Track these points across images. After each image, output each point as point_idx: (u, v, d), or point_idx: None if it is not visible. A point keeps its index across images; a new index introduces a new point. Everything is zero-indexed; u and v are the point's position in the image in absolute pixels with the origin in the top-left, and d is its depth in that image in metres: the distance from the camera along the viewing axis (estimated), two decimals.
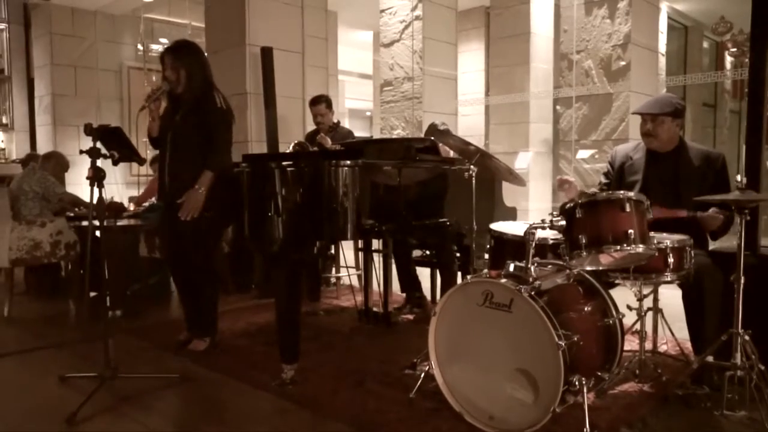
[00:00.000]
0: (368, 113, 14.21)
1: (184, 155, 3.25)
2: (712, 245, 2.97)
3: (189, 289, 3.46)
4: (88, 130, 2.69)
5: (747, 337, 2.40)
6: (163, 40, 9.21)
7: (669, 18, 9.81)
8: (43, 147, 8.23)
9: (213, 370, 3.09)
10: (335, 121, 4.96)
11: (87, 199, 2.77)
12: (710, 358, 2.55)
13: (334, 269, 5.08)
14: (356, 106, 14.71)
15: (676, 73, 9.93)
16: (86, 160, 2.67)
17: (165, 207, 3.35)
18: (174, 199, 3.23)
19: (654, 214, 2.49)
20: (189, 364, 3.15)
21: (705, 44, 11.25)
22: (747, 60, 2.97)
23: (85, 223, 4.54)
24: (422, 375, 2.66)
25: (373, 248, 3.99)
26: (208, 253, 3.45)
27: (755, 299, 2.56)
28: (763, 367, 2.43)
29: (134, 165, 3.31)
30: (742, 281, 2.40)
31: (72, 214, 4.88)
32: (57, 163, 5.20)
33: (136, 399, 2.71)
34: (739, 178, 2.39)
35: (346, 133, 4.88)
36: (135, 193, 6.28)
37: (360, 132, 12.49)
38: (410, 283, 4.30)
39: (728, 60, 9.80)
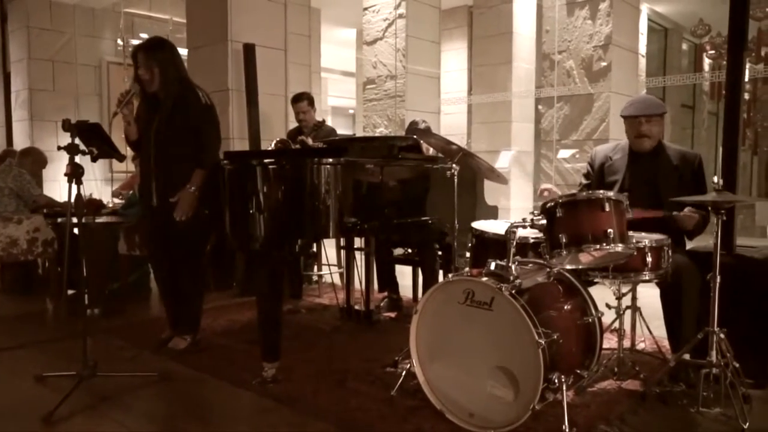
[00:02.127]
0: (351, 111, 14.19)
1: (170, 155, 3.20)
2: (689, 245, 3.02)
3: (173, 287, 3.42)
4: (67, 126, 2.65)
5: (722, 336, 2.44)
6: (144, 35, 9.10)
7: (649, 20, 9.93)
8: (20, 143, 8.09)
9: (193, 368, 3.07)
10: (320, 119, 4.95)
11: (65, 196, 2.73)
12: (687, 356, 2.59)
13: (316, 267, 5.07)
14: (339, 104, 14.68)
15: (656, 74, 10.05)
16: (64, 156, 2.63)
17: (151, 207, 3.30)
18: (163, 199, 3.19)
19: (633, 215, 2.52)
20: (169, 363, 3.13)
21: (684, 46, 11.40)
22: (725, 62, 3.01)
23: (62, 220, 4.48)
24: (403, 373, 2.67)
25: (355, 246, 3.98)
26: (200, 252, 3.43)
27: (731, 298, 2.60)
28: (737, 365, 2.47)
29: (113, 161, 3.27)
30: (718, 280, 2.44)
31: (49, 211, 4.81)
32: (34, 160, 5.13)
33: (114, 398, 2.68)
34: (715, 179, 2.42)
35: (329, 131, 4.87)
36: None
37: (343, 130, 12.49)
38: (388, 283, 4.30)
39: (706, 62, 9.94)
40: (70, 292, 4.23)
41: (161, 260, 3.41)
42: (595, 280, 2.70)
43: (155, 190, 3.24)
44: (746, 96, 8.49)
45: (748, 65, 6.06)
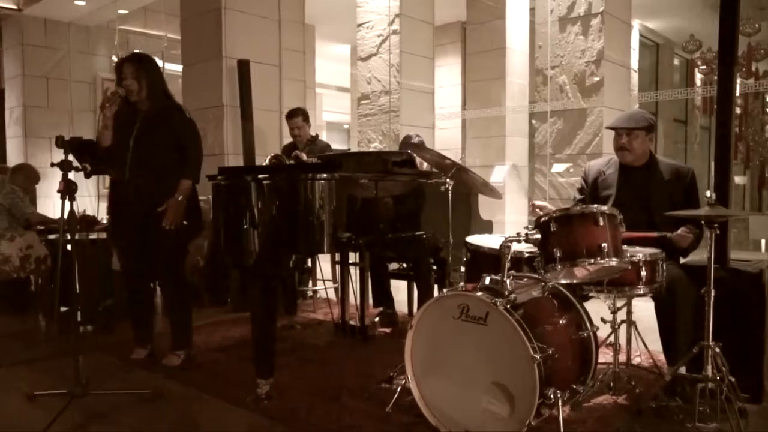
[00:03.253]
0: (346, 126, 14.24)
1: (151, 166, 3.24)
2: (683, 259, 3.02)
3: (148, 303, 3.53)
4: (60, 142, 2.65)
5: (717, 350, 2.44)
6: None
7: (641, 35, 10.04)
8: (14, 159, 8.08)
9: (186, 385, 3.04)
10: (313, 134, 4.96)
11: (59, 213, 2.72)
12: (682, 371, 2.58)
13: (310, 282, 5.06)
14: (334, 119, 14.72)
15: (648, 89, 10.13)
16: (58, 173, 2.63)
17: (128, 219, 3.31)
18: (143, 210, 3.21)
19: (626, 237, 2.53)
20: (162, 380, 3.10)
21: (676, 61, 11.52)
22: (716, 77, 3.03)
23: (55, 236, 4.46)
24: (398, 389, 2.65)
25: (349, 261, 3.97)
26: (180, 264, 3.44)
27: (725, 312, 2.60)
28: (733, 379, 2.47)
29: (107, 177, 3.28)
30: (713, 294, 2.44)
31: (42, 228, 4.78)
32: (27, 176, 5.11)
33: (106, 416, 2.65)
34: (708, 194, 2.43)
35: (323, 146, 4.88)
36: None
37: (337, 145, 12.51)
38: (384, 298, 4.28)
39: (698, 77, 10.04)
40: (62, 309, 4.19)
41: (138, 273, 3.43)
42: (590, 295, 2.70)
43: (135, 201, 3.25)
44: (737, 110, 8.57)
45: (738, 80, 6.12)
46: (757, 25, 7.89)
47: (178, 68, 6.12)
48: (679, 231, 2.78)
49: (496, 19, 7.51)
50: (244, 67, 5.12)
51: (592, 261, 2.36)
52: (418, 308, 2.55)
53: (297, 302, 4.82)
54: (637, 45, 9.64)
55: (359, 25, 7.39)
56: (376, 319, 4.19)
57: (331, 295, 4.90)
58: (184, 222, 3.26)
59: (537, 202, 3.02)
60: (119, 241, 3.47)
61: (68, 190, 2.63)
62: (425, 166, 3.94)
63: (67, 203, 2.65)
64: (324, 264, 4.93)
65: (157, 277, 3.43)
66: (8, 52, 8.53)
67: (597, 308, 2.69)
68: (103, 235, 4.51)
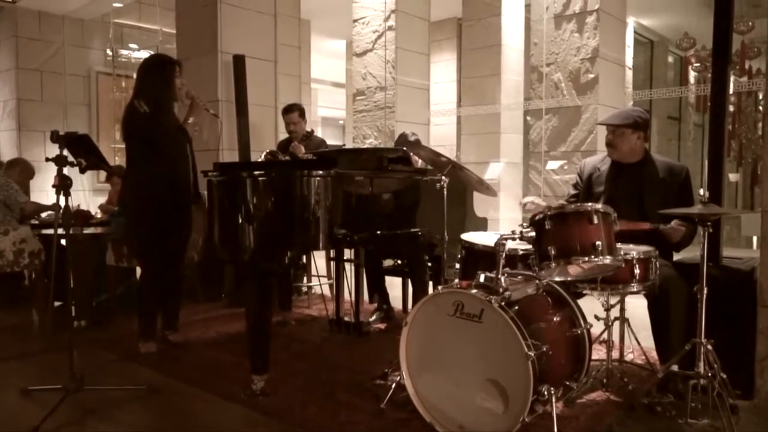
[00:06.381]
0: (341, 122, 14.22)
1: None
2: (676, 256, 3.04)
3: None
4: (55, 137, 2.64)
5: (710, 347, 2.46)
6: (133, 46, 9.09)
7: (635, 33, 10.05)
8: (8, 153, 8.03)
9: (181, 381, 3.05)
10: (309, 130, 4.95)
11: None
12: (675, 367, 2.60)
13: (305, 278, 5.06)
14: (329, 115, 14.70)
15: (643, 86, 10.16)
16: (52, 167, 2.62)
17: (178, 205, 3.46)
18: (189, 197, 3.51)
19: (619, 227, 2.55)
20: (157, 376, 3.10)
21: (670, 59, 11.54)
22: (710, 75, 3.05)
23: (50, 231, 4.44)
24: (393, 385, 2.66)
25: (344, 258, 3.98)
26: None
27: (718, 309, 2.62)
28: (725, 376, 2.49)
29: (102, 172, 3.30)
30: (705, 292, 2.46)
31: (37, 222, 4.76)
32: (22, 170, 5.09)
33: (101, 412, 2.66)
34: (701, 192, 2.45)
35: (319, 142, 4.87)
36: (103, 200, 6.16)
37: (333, 141, 12.50)
38: (379, 294, 4.29)
39: (692, 74, 10.06)
40: (56, 303, 4.18)
41: (167, 263, 3.58)
42: (584, 292, 2.71)
43: (192, 187, 3.53)
44: (731, 108, 8.59)
45: (732, 78, 6.14)
46: (751, 23, 7.90)
47: None
48: (671, 224, 2.79)
49: (492, 16, 7.50)
50: (239, 62, 5.10)
51: (586, 259, 2.37)
52: (413, 305, 2.56)
53: (292, 298, 4.81)
54: (632, 42, 9.65)
55: (355, 21, 7.38)
56: (373, 317, 4.20)
57: (326, 291, 4.91)
58: None
59: (526, 200, 3.04)
60: (157, 230, 3.45)
61: (63, 186, 2.62)
62: (420, 163, 3.94)
63: (62, 198, 2.65)
64: (319, 260, 4.94)
65: (178, 261, 3.62)
66: (2, 45, 8.47)
67: (591, 305, 2.71)
68: (98, 230, 4.50)
